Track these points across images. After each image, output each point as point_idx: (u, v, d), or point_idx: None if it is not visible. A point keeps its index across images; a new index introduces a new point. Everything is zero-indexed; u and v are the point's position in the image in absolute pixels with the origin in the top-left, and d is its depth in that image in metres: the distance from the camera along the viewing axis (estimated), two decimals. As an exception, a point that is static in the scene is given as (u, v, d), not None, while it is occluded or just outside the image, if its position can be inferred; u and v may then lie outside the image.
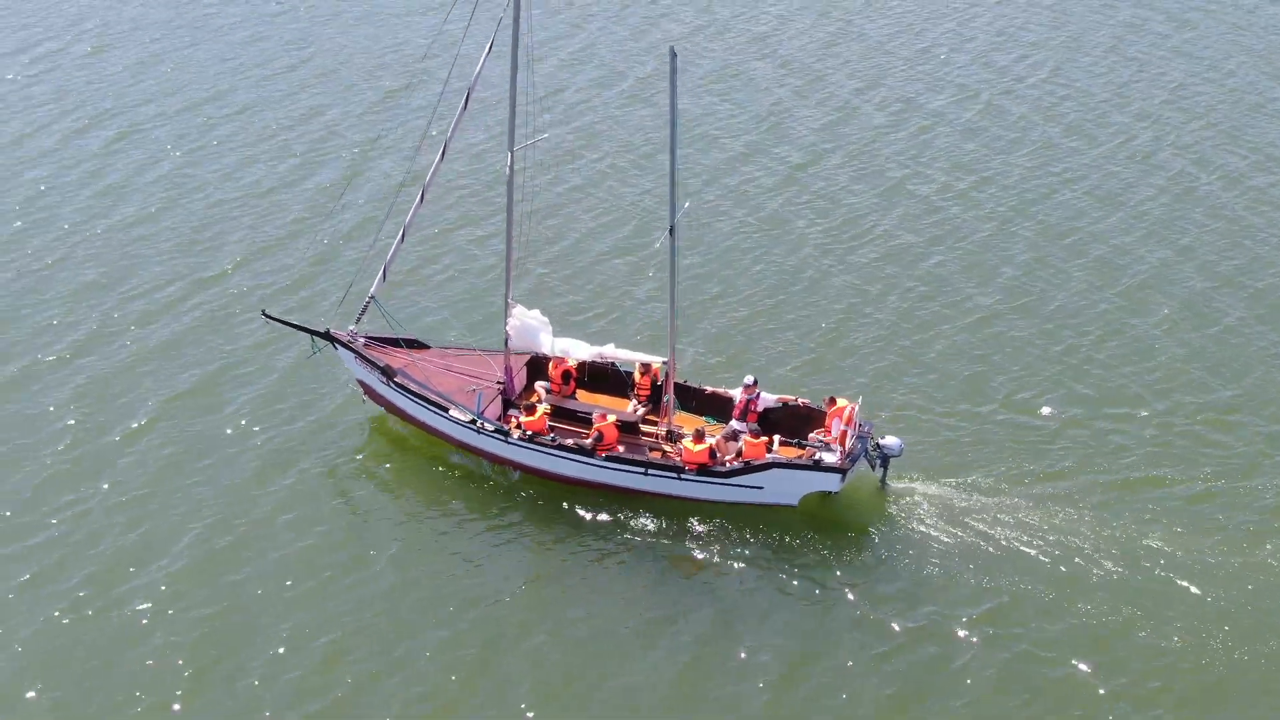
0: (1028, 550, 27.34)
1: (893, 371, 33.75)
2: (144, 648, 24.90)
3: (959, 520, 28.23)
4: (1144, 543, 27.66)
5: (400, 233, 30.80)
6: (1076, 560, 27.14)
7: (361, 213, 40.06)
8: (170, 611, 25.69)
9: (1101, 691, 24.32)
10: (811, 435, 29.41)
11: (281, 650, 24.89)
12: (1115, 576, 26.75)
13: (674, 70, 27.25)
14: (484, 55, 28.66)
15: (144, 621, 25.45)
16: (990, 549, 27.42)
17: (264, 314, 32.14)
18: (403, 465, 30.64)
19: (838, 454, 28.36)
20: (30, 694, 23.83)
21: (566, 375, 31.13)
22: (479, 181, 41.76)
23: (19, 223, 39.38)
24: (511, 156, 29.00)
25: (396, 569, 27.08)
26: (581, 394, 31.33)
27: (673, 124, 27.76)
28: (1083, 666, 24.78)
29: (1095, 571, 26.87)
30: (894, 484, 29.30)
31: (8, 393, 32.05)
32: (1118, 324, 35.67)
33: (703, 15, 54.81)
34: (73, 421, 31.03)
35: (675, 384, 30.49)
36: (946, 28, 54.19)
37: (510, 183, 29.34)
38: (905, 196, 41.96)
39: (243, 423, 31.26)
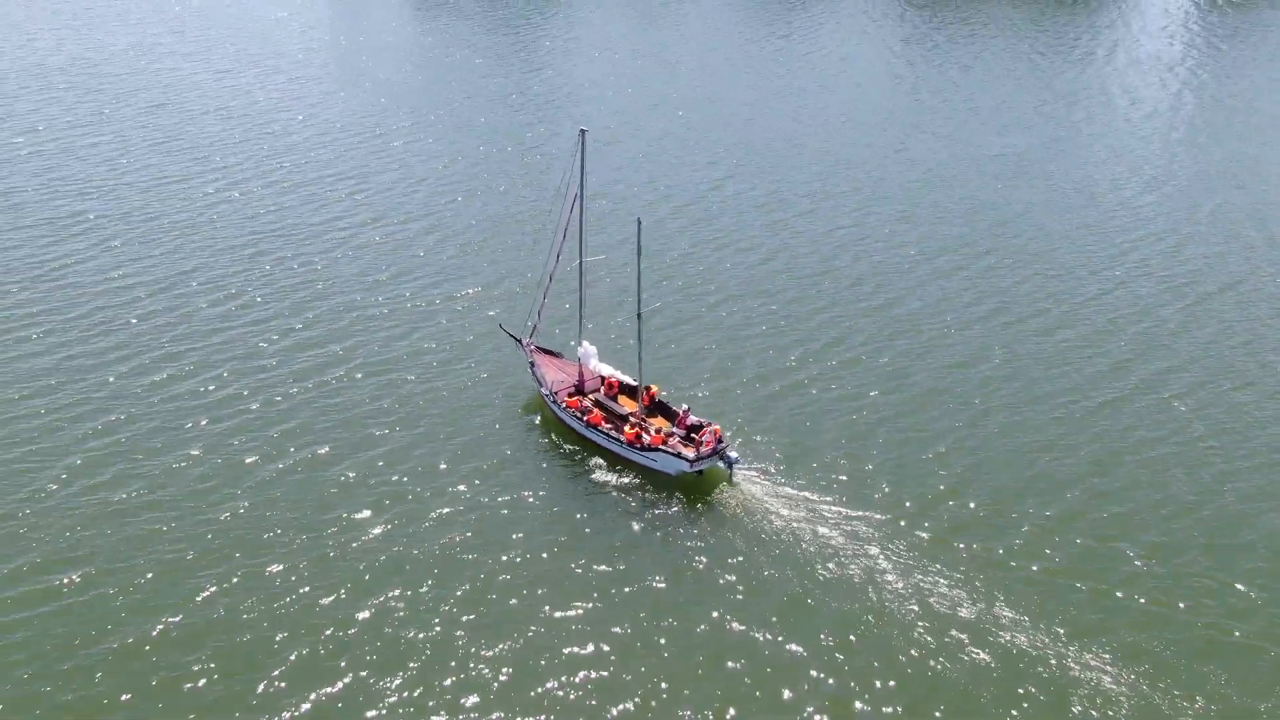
0: (793, 537, 48.44)
1: (762, 412, 56.09)
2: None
3: (768, 509, 49.85)
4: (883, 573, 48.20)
5: (543, 295, 58.30)
6: (839, 558, 47.69)
7: (528, 281, 67.72)
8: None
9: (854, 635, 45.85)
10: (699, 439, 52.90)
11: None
12: (857, 575, 47.60)
13: (639, 235, 52.12)
14: (568, 208, 55.32)
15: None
16: (780, 531, 48.62)
17: (500, 326, 61.23)
18: (536, 416, 57.81)
19: (694, 453, 51.70)
20: (403, 574, 53.93)
21: (610, 385, 56.97)
22: (571, 273, 67.13)
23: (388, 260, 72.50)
24: (581, 261, 55.48)
25: (511, 476, 54.41)
26: (621, 398, 56.89)
27: (638, 259, 52.57)
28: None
29: (857, 567, 47.35)
30: (736, 479, 51.70)
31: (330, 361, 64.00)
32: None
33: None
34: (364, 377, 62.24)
35: (658, 401, 55.28)
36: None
37: (581, 275, 55.84)
38: (833, 280, 65.93)
39: (469, 383, 60.28)
